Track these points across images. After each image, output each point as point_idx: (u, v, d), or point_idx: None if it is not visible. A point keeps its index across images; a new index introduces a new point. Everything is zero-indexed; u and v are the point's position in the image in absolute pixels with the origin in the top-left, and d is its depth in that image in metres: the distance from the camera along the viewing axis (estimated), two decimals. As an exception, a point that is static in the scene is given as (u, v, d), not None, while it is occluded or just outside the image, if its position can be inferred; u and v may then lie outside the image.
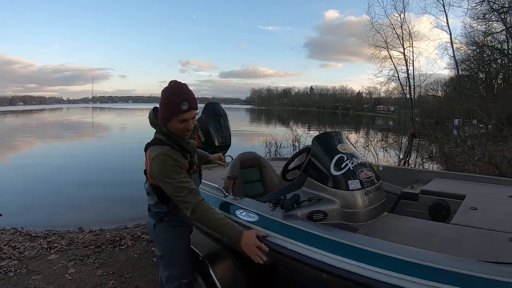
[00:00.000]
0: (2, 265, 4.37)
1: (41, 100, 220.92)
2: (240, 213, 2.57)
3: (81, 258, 4.65)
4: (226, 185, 3.23)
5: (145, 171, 2.35)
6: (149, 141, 2.27)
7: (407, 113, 34.99)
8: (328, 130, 20.44)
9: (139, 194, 2.98)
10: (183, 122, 2.20)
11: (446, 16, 27.47)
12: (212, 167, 4.65)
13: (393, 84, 36.70)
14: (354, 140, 15.09)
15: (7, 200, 8.27)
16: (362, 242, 1.91)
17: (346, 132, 23.84)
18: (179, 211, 2.29)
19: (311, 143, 2.86)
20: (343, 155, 2.65)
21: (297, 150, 13.29)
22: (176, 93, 2.20)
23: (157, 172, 2.14)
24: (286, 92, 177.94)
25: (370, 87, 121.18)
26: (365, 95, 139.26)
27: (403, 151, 18.00)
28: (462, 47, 29.07)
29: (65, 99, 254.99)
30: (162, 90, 2.24)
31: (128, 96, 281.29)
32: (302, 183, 2.70)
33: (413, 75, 32.91)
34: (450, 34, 27.70)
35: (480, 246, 1.99)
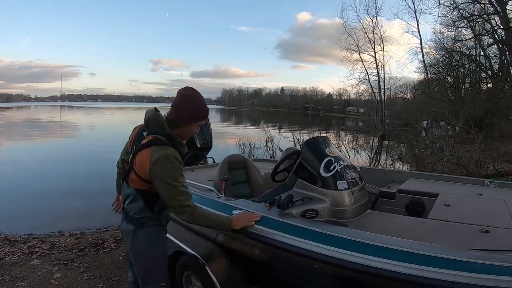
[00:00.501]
0: None
1: (8, 98, 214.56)
2: (237, 213, 2.69)
3: (65, 262, 4.59)
4: (217, 186, 3.45)
5: (125, 176, 2.35)
6: (146, 141, 2.24)
7: (377, 115, 35.87)
8: (304, 132, 20.71)
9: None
10: (198, 127, 2.42)
11: (417, 22, 28.55)
12: (195, 169, 4.92)
13: (363, 86, 37.73)
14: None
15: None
16: (354, 234, 2.16)
17: (317, 133, 24.10)
18: (160, 215, 2.40)
19: (300, 147, 3.22)
20: (331, 158, 2.87)
21: (271, 151, 13.47)
22: (204, 103, 2.38)
23: (163, 172, 2.13)
24: (257, 92, 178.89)
25: (340, 88, 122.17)
26: (335, 97, 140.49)
27: (373, 152, 18.40)
28: (432, 52, 30.30)
29: (33, 96, 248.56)
30: (187, 95, 2.33)
31: (97, 94, 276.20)
32: (293, 184, 2.90)
33: (384, 78, 33.84)
34: (420, 40, 28.73)
35: (456, 236, 2.27)
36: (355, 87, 38.81)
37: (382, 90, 34.59)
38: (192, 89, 2.39)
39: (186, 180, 2.34)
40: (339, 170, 2.83)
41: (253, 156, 12.94)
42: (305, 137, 14.84)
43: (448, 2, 24.52)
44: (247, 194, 3.83)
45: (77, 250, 5.02)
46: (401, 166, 13.04)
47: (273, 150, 13.67)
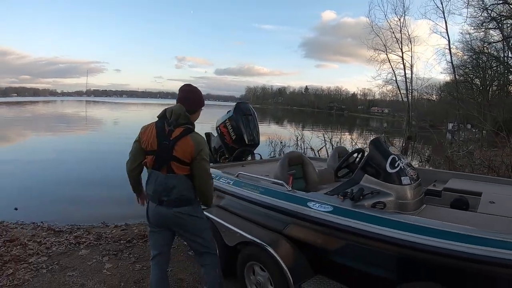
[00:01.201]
0: (31, 262, 4.35)
1: (35, 92, 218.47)
2: (313, 205, 3.04)
3: (115, 253, 4.70)
4: (281, 180, 3.65)
5: (160, 168, 2.74)
6: (179, 133, 2.71)
7: (403, 116, 35.46)
8: (333, 132, 20.57)
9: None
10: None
11: (446, 22, 27.89)
12: (245, 164, 5.37)
13: (389, 87, 37.22)
14: (352, 141, 15.20)
15: (19, 194, 8.27)
16: (425, 222, 2.48)
17: (341, 133, 24.05)
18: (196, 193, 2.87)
19: (367, 146, 3.71)
20: (395, 156, 3.06)
21: (302, 150, 13.44)
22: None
23: (205, 153, 2.77)
24: (281, 91, 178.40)
25: (365, 88, 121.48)
26: (359, 97, 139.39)
27: (401, 153, 18.24)
28: (459, 53, 29.42)
29: (59, 91, 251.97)
30: (192, 89, 3.01)
31: (122, 90, 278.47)
32: (360, 179, 3.08)
33: (411, 79, 33.30)
34: (449, 40, 28.15)
35: (507, 226, 2.56)
36: (381, 88, 38.33)
37: (409, 91, 34.05)
38: (191, 85, 3.06)
39: (249, 174, 3.73)
40: (402, 167, 3.01)
41: (283, 153, 13.01)
42: (335, 137, 14.91)
43: (476, 2, 23.94)
44: (303, 188, 3.99)
45: (125, 241, 5.15)
46: (431, 168, 12.89)
47: (304, 148, 13.63)
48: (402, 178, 2.94)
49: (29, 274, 4.04)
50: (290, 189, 3.41)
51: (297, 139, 14.24)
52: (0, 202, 7.57)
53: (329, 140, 13.73)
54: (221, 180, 4.11)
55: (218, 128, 5.89)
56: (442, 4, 27.88)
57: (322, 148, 13.52)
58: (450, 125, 48.22)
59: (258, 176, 3.84)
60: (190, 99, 2.92)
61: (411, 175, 3.04)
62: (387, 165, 2.98)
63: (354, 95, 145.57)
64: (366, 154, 3.40)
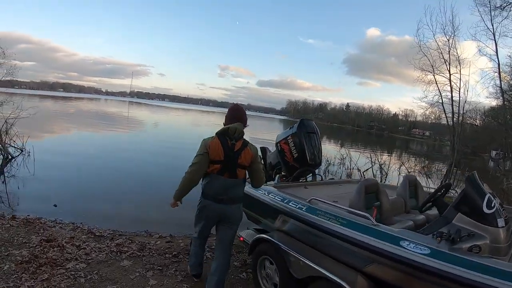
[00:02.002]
0: (69, 268, 4.09)
1: (80, 89, 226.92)
2: (407, 244, 2.72)
3: (160, 268, 4.39)
4: (357, 208, 3.44)
5: (236, 170, 3.47)
6: (241, 145, 3.49)
7: (444, 139, 34.36)
8: (381, 152, 20.18)
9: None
10: None
11: (496, 44, 26.88)
12: (308, 185, 5.25)
13: (433, 109, 36.06)
14: (402, 165, 14.79)
15: (58, 190, 8.15)
16: None
17: (386, 154, 23.59)
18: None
19: (464, 181, 3.32)
20: (490, 195, 2.86)
21: (348, 170, 13.23)
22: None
23: (258, 156, 3.69)
24: (322, 106, 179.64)
25: (406, 109, 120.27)
26: (401, 117, 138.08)
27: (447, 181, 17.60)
28: (507, 77, 28.41)
29: (103, 90, 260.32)
30: (244, 110, 3.72)
31: (165, 94, 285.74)
32: (453, 217, 2.91)
33: (459, 102, 32.15)
34: (498, 63, 27.05)
35: None
36: (427, 110, 37.32)
37: (456, 114, 32.89)
38: (239, 105, 3.84)
39: (325, 201, 3.54)
40: (498, 208, 2.82)
41: (328, 172, 12.90)
42: (380, 158, 14.56)
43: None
44: (377, 218, 3.65)
45: (170, 255, 4.83)
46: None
47: (350, 168, 13.32)
48: (498, 220, 2.74)
49: (65, 282, 3.77)
50: (376, 223, 3.06)
51: (342, 159, 13.97)
52: (39, 196, 7.52)
53: (377, 162, 13.43)
54: (290, 204, 3.80)
55: (278, 145, 5.57)
56: (492, 26, 27.03)
57: (368, 169, 13.21)
58: (493, 153, 46.95)
59: (340, 206, 3.47)
60: (244, 119, 3.63)
61: (505, 216, 2.84)
62: (484, 205, 2.76)
63: (395, 115, 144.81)
64: (461, 191, 3.06)
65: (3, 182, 8.51)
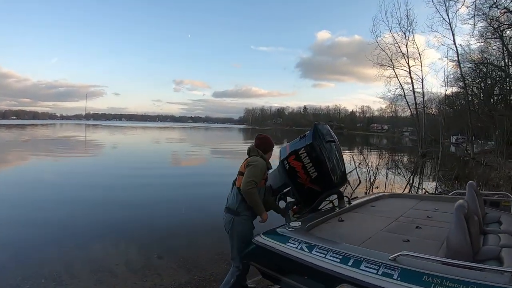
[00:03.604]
0: None
1: (34, 115, 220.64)
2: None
3: None
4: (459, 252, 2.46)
5: (238, 176, 3.85)
6: (253, 156, 3.88)
7: (403, 131, 34.91)
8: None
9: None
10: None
11: (453, 34, 27.71)
12: (342, 216, 4.04)
13: (395, 103, 36.73)
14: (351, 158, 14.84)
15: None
16: None
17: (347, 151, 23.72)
18: (250, 207, 3.73)
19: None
20: None
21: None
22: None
23: (253, 159, 3.84)
24: (280, 112, 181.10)
25: (363, 106, 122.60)
26: (358, 114, 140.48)
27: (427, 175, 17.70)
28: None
29: (58, 115, 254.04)
30: (264, 137, 4.15)
31: (121, 114, 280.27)
32: None
33: (423, 93, 32.78)
34: (457, 51, 27.84)
35: None
36: (391, 103, 38.02)
37: (420, 105, 33.40)
38: (262, 134, 4.21)
39: (406, 254, 2.35)
40: None
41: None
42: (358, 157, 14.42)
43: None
44: None
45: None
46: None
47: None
48: None
49: None
50: None
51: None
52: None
53: (358, 164, 13.44)
54: (362, 269, 2.45)
55: (286, 162, 4.14)
56: (448, 16, 27.88)
57: (351, 171, 13.13)
58: (453, 138, 48.48)
59: (446, 260, 2.29)
60: (256, 143, 4.07)
61: None
62: None
63: (352, 113, 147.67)
64: None
65: None
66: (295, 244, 2.96)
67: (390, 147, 37.65)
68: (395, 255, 2.40)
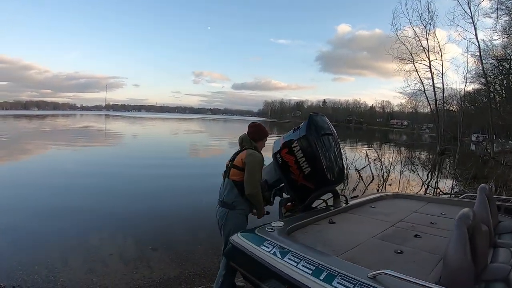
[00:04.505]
0: None
1: (55, 106, 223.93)
2: None
3: None
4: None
5: (231, 169, 3.77)
6: (249, 148, 3.83)
7: (426, 128, 34.34)
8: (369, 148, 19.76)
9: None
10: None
11: (475, 28, 26.94)
12: (332, 216, 3.71)
13: (415, 98, 35.99)
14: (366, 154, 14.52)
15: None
16: None
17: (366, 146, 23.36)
18: (246, 201, 3.69)
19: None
20: None
21: (346, 170, 12.71)
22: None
23: (250, 152, 3.77)
24: (299, 105, 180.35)
25: (383, 101, 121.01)
26: (378, 109, 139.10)
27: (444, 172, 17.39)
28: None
29: (78, 105, 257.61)
30: (255, 124, 4.16)
31: (141, 105, 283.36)
32: None
33: (443, 89, 32.02)
34: (479, 46, 27.06)
35: None
36: (408, 100, 37.33)
37: (440, 101, 32.67)
38: (255, 122, 4.23)
39: (387, 273, 1.89)
40: None
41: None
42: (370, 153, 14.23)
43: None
44: None
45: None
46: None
47: (346, 169, 12.89)
48: None
49: None
50: None
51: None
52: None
53: (372, 158, 13.18)
54: (333, 286, 2.07)
55: (278, 155, 3.83)
56: (470, 9, 27.09)
57: (364, 167, 12.97)
58: (474, 136, 47.47)
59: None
60: (249, 131, 4.04)
61: None
62: None
63: (372, 108, 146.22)
64: None
65: None
66: (268, 248, 2.64)
67: (408, 143, 36.85)
68: (374, 272, 2.02)
